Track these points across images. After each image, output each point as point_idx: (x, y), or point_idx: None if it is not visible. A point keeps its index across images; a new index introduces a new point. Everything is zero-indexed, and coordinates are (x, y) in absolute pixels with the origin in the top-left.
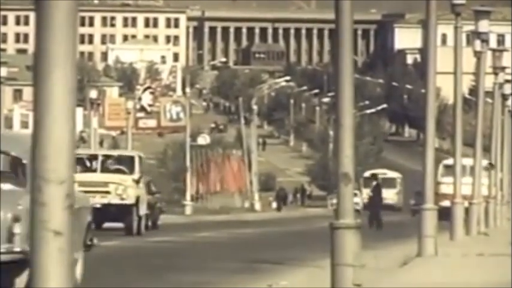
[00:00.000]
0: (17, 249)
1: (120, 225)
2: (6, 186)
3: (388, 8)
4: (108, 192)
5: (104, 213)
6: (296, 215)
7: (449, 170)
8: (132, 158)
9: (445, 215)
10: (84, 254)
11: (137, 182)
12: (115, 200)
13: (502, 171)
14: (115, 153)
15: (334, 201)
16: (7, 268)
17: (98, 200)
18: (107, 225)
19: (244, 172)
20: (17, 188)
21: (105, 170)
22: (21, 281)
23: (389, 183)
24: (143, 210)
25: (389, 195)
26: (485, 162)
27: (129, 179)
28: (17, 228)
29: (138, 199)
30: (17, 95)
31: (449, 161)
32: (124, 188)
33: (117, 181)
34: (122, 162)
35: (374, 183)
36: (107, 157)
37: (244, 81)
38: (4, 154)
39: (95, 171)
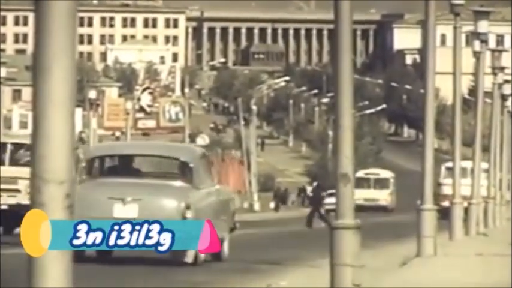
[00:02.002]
0: None
1: None
2: (178, 183)
3: (387, 8)
4: (17, 191)
5: (13, 216)
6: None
7: (451, 172)
8: None
9: (447, 214)
10: (229, 235)
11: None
12: (26, 201)
13: (501, 171)
14: (27, 140)
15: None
16: None
17: (3, 201)
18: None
19: (243, 172)
20: (185, 185)
21: (14, 162)
22: (190, 253)
23: (383, 183)
24: None
25: (383, 196)
26: (485, 165)
27: None
28: (188, 213)
29: None
30: (16, 95)
31: (451, 164)
32: None
33: (28, 176)
34: None
35: (315, 183)
36: (18, 146)
37: (244, 81)
38: (175, 159)
39: (2, 163)
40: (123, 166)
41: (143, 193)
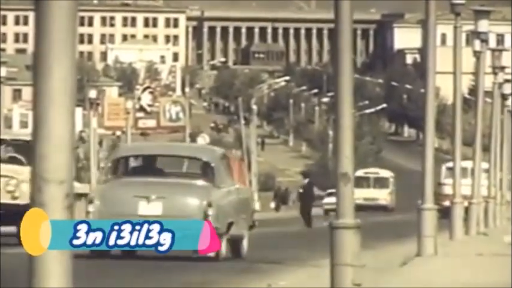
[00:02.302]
0: None
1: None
2: (200, 183)
3: (387, 7)
4: None
5: None
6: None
7: (452, 171)
8: None
9: (447, 214)
10: (248, 233)
11: None
12: (4, 199)
13: (502, 171)
14: (8, 136)
15: (325, 200)
16: None
17: None
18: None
19: (244, 170)
20: (207, 184)
21: None
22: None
23: (382, 183)
24: None
25: (382, 196)
26: (485, 165)
27: (25, 171)
28: (210, 211)
29: None
30: (17, 94)
31: (452, 163)
32: (16, 184)
33: (8, 174)
34: (21, 149)
35: (306, 180)
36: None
37: (244, 81)
38: (197, 160)
39: None
40: (147, 166)
41: (167, 191)
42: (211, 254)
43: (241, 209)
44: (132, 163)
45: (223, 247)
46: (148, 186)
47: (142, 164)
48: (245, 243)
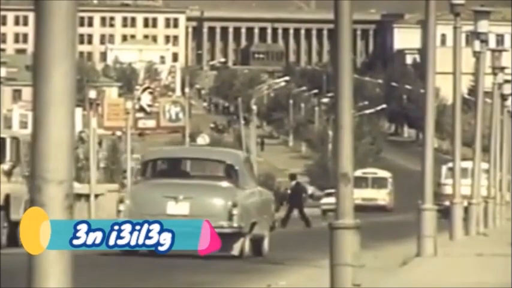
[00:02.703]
0: (235, 224)
1: None
2: (224, 184)
3: (387, 8)
4: None
5: None
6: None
7: (453, 172)
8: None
9: (448, 213)
10: (269, 233)
11: (9, 174)
12: None
13: (501, 171)
14: None
15: (323, 201)
16: (228, 237)
17: None
18: None
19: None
20: (231, 185)
21: None
22: (236, 246)
23: (380, 183)
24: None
25: (381, 196)
26: (485, 166)
27: None
28: (235, 211)
29: (8, 199)
30: (16, 95)
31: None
32: None
33: None
34: None
35: (293, 182)
36: None
37: (244, 81)
38: (221, 162)
39: None
40: (174, 168)
41: (194, 192)
42: (235, 253)
43: (263, 209)
44: (159, 166)
45: (247, 246)
46: (176, 187)
47: (169, 166)
48: (266, 242)
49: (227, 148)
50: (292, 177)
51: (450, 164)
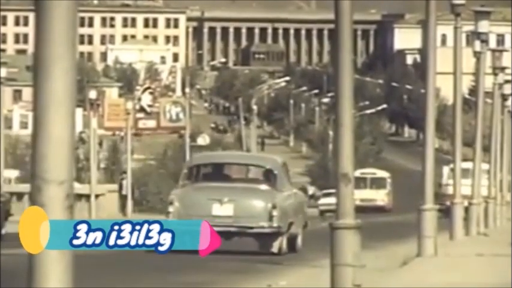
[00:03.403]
0: (275, 225)
1: None
2: (264, 187)
3: (387, 8)
4: None
5: None
6: None
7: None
8: None
9: (449, 213)
10: (302, 231)
11: None
12: None
13: (502, 171)
14: None
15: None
16: (268, 236)
17: None
18: None
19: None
20: (270, 188)
21: None
22: (275, 244)
23: (379, 183)
24: None
25: (380, 196)
26: (485, 166)
27: None
28: (274, 212)
29: None
30: (17, 95)
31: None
32: None
33: None
34: None
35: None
36: None
37: (244, 81)
38: (261, 167)
39: None
40: (217, 173)
41: (237, 195)
42: (275, 250)
43: (298, 210)
44: (203, 170)
45: (284, 243)
46: (220, 190)
47: (212, 171)
48: (299, 240)
49: (265, 154)
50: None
51: (452, 165)
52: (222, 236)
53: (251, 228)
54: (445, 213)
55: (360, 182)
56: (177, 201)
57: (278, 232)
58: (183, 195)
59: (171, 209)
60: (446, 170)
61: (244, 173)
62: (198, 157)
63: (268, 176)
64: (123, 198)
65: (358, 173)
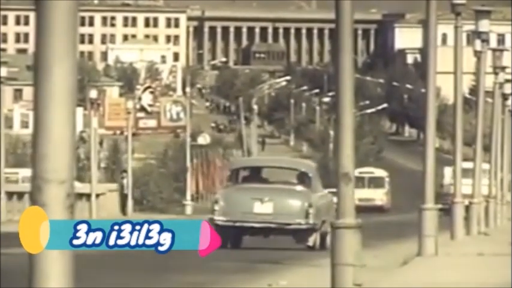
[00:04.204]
0: (311, 222)
1: None
2: (299, 188)
3: (388, 7)
4: None
5: None
6: None
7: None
8: None
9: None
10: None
11: None
12: None
13: (502, 171)
14: None
15: None
16: (304, 232)
17: None
18: None
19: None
20: (305, 189)
21: None
22: (311, 239)
23: (377, 182)
24: None
25: (378, 196)
26: (486, 166)
27: None
28: (311, 210)
29: None
30: (17, 94)
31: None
32: None
33: None
34: None
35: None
36: None
37: (245, 81)
38: (296, 170)
39: None
40: (256, 175)
41: (276, 195)
42: (311, 244)
43: (329, 210)
44: (242, 173)
45: (317, 240)
46: (261, 191)
47: (252, 173)
48: (329, 238)
49: (299, 159)
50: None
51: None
52: (262, 232)
53: (289, 224)
54: (448, 212)
55: (358, 182)
56: (222, 200)
57: (313, 228)
58: (228, 195)
59: (216, 207)
60: (448, 170)
61: (277, 175)
62: (239, 161)
63: (303, 178)
64: (123, 197)
65: (356, 172)
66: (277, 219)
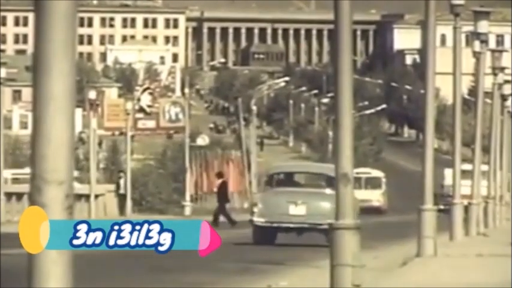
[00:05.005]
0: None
1: None
2: (328, 191)
3: (387, 8)
4: None
5: None
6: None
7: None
8: None
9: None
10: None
11: None
12: None
13: (502, 171)
14: None
15: None
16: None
17: None
18: None
19: (243, 173)
20: (333, 192)
21: None
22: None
23: (374, 183)
24: None
25: (375, 197)
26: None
27: None
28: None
29: None
30: (16, 95)
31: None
32: None
33: None
34: None
35: (220, 180)
36: None
37: (244, 81)
38: (324, 175)
39: None
40: (289, 180)
41: (308, 198)
42: None
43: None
44: (278, 177)
45: None
46: (295, 194)
47: (285, 178)
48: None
49: (327, 164)
50: (219, 175)
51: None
52: (296, 231)
53: (320, 224)
54: (447, 211)
55: (355, 182)
56: (260, 203)
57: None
58: (265, 198)
59: (255, 209)
60: (449, 171)
61: (308, 179)
62: (275, 167)
63: (331, 182)
64: (120, 198)
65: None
66: (310, 220)
